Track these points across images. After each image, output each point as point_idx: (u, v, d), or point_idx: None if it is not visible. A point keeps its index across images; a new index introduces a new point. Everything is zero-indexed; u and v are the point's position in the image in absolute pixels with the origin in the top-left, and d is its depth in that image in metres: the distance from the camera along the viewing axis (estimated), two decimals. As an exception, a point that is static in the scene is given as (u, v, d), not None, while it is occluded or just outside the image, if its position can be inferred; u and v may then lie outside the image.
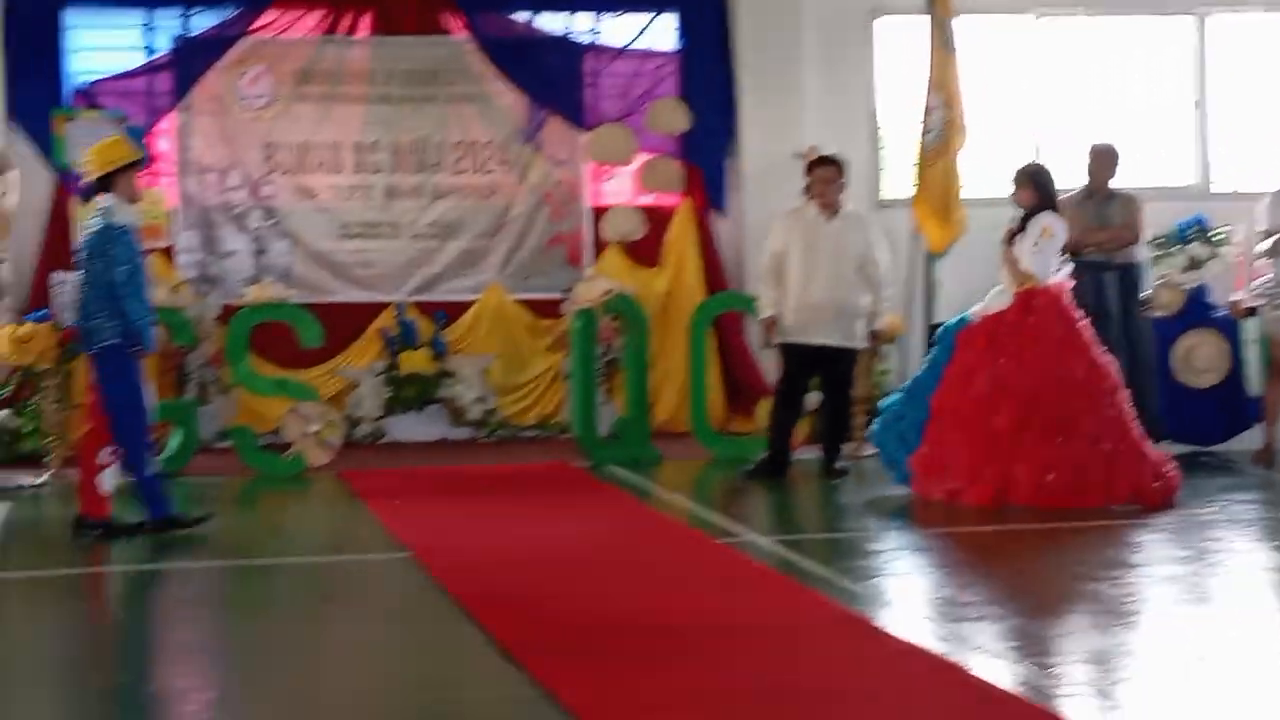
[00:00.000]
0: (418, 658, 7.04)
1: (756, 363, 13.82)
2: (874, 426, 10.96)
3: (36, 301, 12.89)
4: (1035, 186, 10.57)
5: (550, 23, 14.33)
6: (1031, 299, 10.25)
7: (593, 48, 14.38)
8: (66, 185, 13.29)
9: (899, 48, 14.64)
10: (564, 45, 14.32)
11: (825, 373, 11.53)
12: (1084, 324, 10.33)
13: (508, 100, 14.17)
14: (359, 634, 7.43)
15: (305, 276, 13.82)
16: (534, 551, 8.98)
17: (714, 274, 14.28)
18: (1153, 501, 9.97)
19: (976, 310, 10.46)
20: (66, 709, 6.33)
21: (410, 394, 13.62)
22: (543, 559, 8.80)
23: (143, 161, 9.99)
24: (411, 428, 13.74)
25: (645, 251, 14.28)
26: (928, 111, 13.29)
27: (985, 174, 14.51)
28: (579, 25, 14.38)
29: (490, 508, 10.48)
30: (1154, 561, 8.77)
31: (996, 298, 10.44)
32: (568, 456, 12.64)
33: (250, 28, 13.80)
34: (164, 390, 12.88)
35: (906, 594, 8.06)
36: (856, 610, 7.42)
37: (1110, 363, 10.37)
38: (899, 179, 14.35)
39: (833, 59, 14.44)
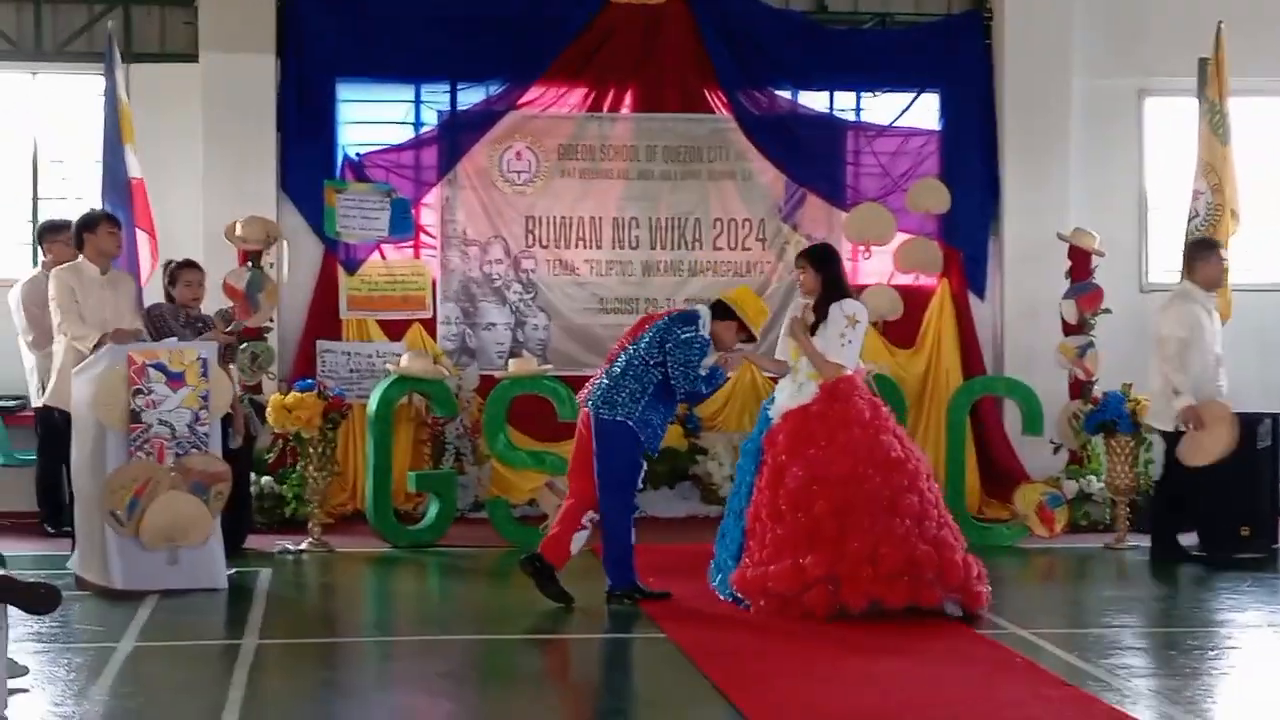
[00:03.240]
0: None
1: (1014, 448, 13.60)
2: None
3: (301, 370, 13.15)
4: (819, 268, 9.91)
5: (812, 100, 14.29)
6: (836, 387, 9.67)
7: (854, 126, 14.31)
8: (334, 255, 13.57)
9: (1168, 129, 14.34)
10: (825, 123, 14.27)
11: None
12: (888, 409, 9.82)
13: (767, 177, 14.15)
14: (611, 713, 7.39)
15: (560, 350, 13.90)
16: (787, 633, 8.88)
17: (971, 357, 14.06)
18: (979, 604, 9.35)
19: (774, 410, 9.82)
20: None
21: (662, 469, 13.58)
22: (797, 641, 8.70)
23: (748, 332, 10.00)
24: (662, 503, 13.69)
25: (902, 333, 14.11)
26: (1195, 196, 12.99)
27: (1256, 262, 14.18)
28: (841, 103, 14.32)
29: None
30: None
31: (795, 394, 9.76)
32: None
33: (516, 103, 13.98)
34: (420, 460, 13.05)
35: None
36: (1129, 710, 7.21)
37: (922, 452, 9.84)
38: (1165, 264, 14.01)
39: (1099, 140, 14.19)
